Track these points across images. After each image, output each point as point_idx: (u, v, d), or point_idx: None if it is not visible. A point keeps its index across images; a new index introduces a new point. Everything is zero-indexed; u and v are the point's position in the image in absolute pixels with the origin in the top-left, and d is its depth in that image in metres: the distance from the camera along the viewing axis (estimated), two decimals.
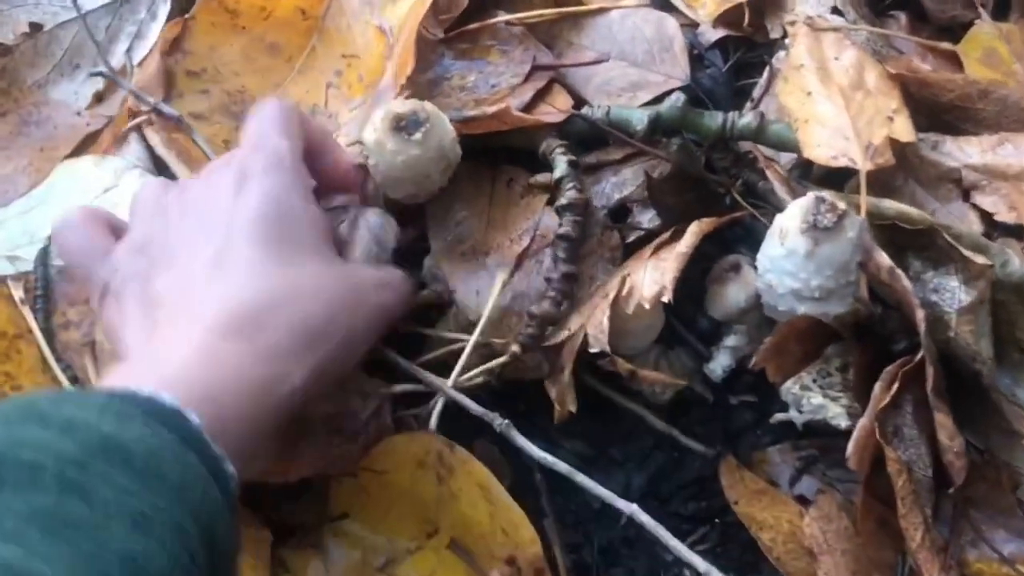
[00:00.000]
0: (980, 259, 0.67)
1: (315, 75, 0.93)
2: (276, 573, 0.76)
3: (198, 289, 0.63)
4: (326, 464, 0.75)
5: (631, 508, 0.70)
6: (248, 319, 0.61)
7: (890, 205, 0.73)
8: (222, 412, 0.55)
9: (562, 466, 0.72)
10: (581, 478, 0.71)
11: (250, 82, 0.91)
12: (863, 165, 0.74)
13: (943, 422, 0.68)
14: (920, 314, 0.67)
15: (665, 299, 0.71)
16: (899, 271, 0.68)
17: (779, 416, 0.79)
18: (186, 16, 0.91)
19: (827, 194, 0.67)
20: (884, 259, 0.68)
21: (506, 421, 0.74)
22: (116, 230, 0.72)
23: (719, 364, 0.82)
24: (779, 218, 0.71)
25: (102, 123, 0.90)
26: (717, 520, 0.81)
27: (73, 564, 0.43)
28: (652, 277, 0.73)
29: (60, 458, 0.46)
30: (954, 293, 0.70)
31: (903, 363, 0.70)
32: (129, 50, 0.92)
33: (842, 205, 0.67)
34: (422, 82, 0.89)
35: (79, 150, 0.90)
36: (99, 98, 0.91)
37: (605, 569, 0.80)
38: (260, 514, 0.77)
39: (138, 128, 0.86)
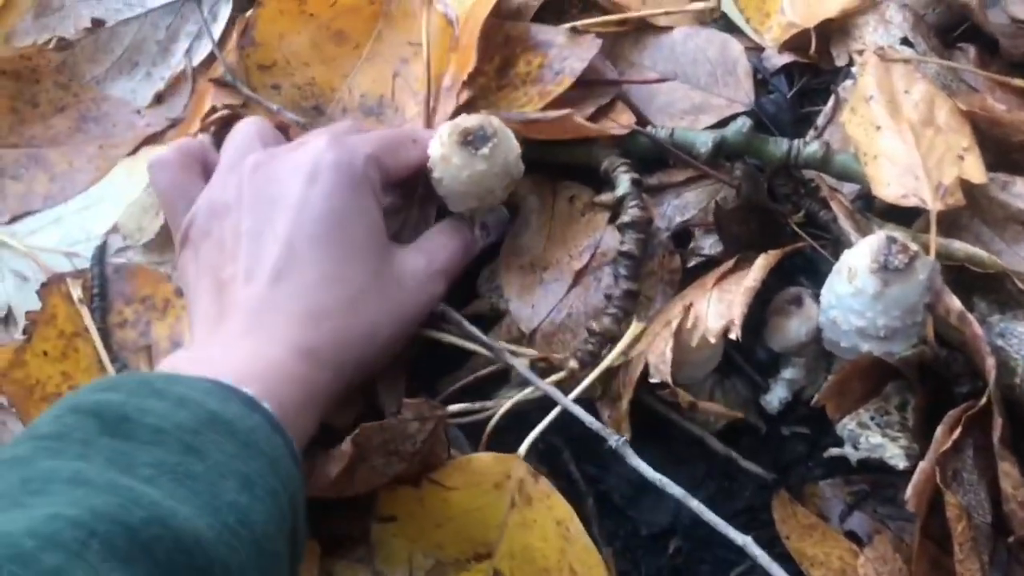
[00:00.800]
0: None
1: (382, 64, 0.92)
2: None
3: (261, 289, 0.68)
4: (378, 484, 0.75)
5: (745, 540, 0.70)
6: (304, 328, 0.67)
7: (960, 247, 0.72)
8: (283, 406, 0.61)
9: (676, 489, 0.71)
10: (695, 504, 0.71)
11: (319, 73, 0.91)
12: (933, 206, 0.73)
13: (1008, 471, 0.67)
14: (991, 362, 0.66)
15: (733, 336, 0.71)
16: (970, 316, 0.67)
17: (833, 451, 0.79)
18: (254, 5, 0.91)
19: (898, 234, 0.67)
20: (955, 303, 0.67)
21: (623, 438, 0.74)
22: (208, 167, 0.78)
23: (776, 396, 0.81)
24: (847, 255, 0.71)
25: (162, 124, 0.90)
26: (766, 551, 0.80)
27: (198, 507, 0.50)
28: (717, 309, 0.73)
29: (178, 426, 0.54)
30: (1021, 339, 0.70)
31: (967, 407, 0.70)
32: (189, 50, 0.92)
33: (914, 247, 0.66)
34: (489, 71, 0.89)
35: (138, 149, 0.89)
36: (159, 99, 0.91)
37: None
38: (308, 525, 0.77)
39: (216, 123, 0.85)
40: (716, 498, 0.82)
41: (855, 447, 0.77)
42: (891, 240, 0.67)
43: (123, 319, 0.84)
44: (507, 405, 0.76)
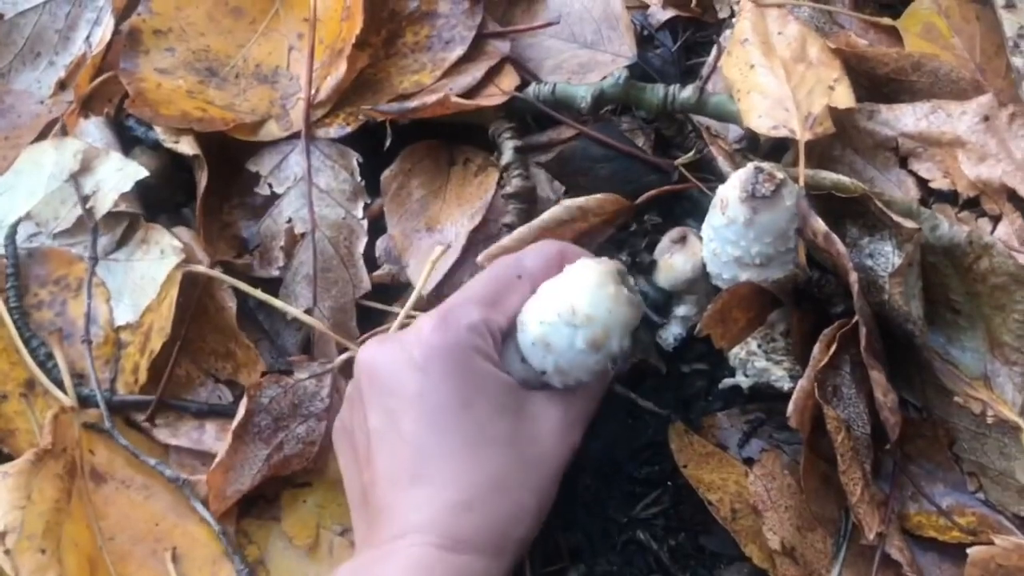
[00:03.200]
0: (909, 223, 0.70)
1: (278, 37, 0.95)
2: (241, 545, 0.79)
3: (401, 494, 0.66)
4: (309, 455, 0.78)
5: None
6: (451, 521, 0.64)
7: (826, 175, 0.75)
8: None
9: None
10: None
11: (214, 42, 0.94)
12: (802, 135, 0.77)
13: (877, 379, 0.70)
14: (853, 276, 0.69)
15: None
16: (834, 236, 0.70)
17: (727, 381, 0.82)
18: None
19: (765, 164, 0.70)
20: (820, 225, 0.70)
21: None
22: None
23: (671, 333, 0.84)
24: (720, 188, 0.74)
25: (63, 109, 0.92)
26: (669, 483, 0.83)
27: None
28: None
29: None
30: (888, 257, 0.73)
31: (840, 325, 0.73)
32: (89, 36, 0.94)
33: (780, 174, 0.69)
34: (376, 42, 0.93)
35: (42, 137, 0.91)
36: (62, 85, 0.93)
37: (563, 531, 0.82)
38: None
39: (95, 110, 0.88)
40: (619, 437, 0.85)
41: (745, 375, 0.80)
42: (758, 170, 0.70)
43: (38, 300, 0.86)
44: None
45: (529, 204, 0.84)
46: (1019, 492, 0.74)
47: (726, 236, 0.73)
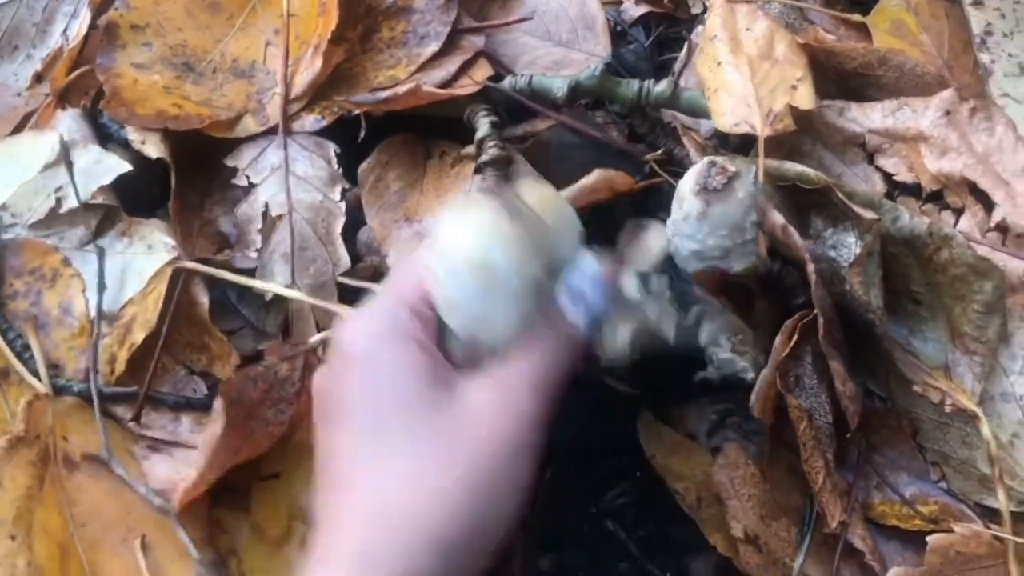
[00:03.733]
0: (869, 214, 0.71)
1: (255, 33, 0.96)
2: (212, 534, 0.80)
3: (332, 503, 0.60)
4: (281, 435, 0.79)
5: None
6: (372, 547, 0.56)
7: (790, 167, 0.76)
8: None
9: None
10: None
11: (192, 37, 0.95)
12: (762, 131, 0.78)
13: (836, 369, 0.71)
14: (811, 267, 0.70)
15: None
16: (791, 228, 0.71)
17: (700, 374, 0.83)
18: None
19: (719, 158, 0.71)
20: (777, 217, 0.71)
21: None
22: None
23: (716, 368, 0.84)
24: (679, 183, 0.75)
25: (40, 102, 0.93)
26: (639, 473, 0.84)
27: None
28: None
29: None
30: (850, 248, 0.74)
31: (801, 316, 0.74)
32: (66, 30, 0.95)
33: (732, 167, 0.70)
34: (352, 37, 0.94)
35: (19, 129, 0.92)
36: (39, 78, 0.94)
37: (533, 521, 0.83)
38: None
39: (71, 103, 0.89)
40: (590, 426, 0.86)
41: (714, 367, 0.81)
42: (711, 164, 0.71)
43: (14, 291, 0.87)
44: None
45: (506, 172, 0.85)
46: (980, 481, 0.75)
47: (684, 230, 0.74)
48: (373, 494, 0.57)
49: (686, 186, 0.71)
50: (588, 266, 0.67)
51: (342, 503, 0.59)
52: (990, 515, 0.75)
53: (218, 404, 0.73)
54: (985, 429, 0.72)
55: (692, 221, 0.71)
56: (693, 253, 0.74)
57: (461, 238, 0.62)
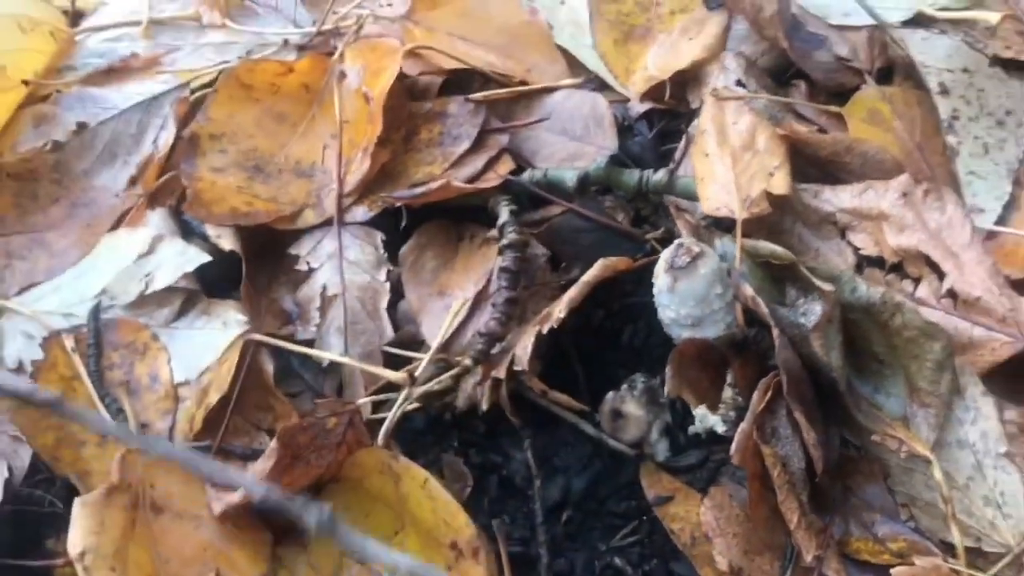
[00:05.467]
0: (827, 286, 0.82)
1: (314, 138, 1.12)
2: (274, 570, 0.93)
3: None
4: (317, 475, 0.92)
5: None
6: None
7: (763, 245, 0.88)
8: None
9: None
10: None
11: (261, 143, 1.11)
12: (739, 215, 0.90)
13: (800, 420, 0.82)
14: (776, 332, 0.82)
15: (554, 324, 0.88)
16: (760, 299, 0.83)
17: (691, 429, 0.94)
18: (209, 89, 1.12)
19: (687, 239, 0.83)
20: (748, 290, 0.83)
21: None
22: None
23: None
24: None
25: (134, 202, 1.10)
26: (645, 517, 0.95)
27: None
28: (561, 305, 0.90)
29: None
30: (817, 315, 0.85)
31: (776, 374, 0.85)
32: (156, 139, 1.12)
33: (696, 248, 0.83)
34: (397, 139, 1.09)
35: (117, 225, 1.09)
36: (133, 182, 1.11)
37: (551, 559, 0.94)
38: (263, 518, 0.93)
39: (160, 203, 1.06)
40: (602, 475, 0.97)
41: (695, 422, 0.93)
42: (679, 245, 0.83)
43: (111, 362, 1.03)
44: (399, 400, 0.92)
45: (523, 253, 0.98)
46: (944, 520, 0.84)
47: (660, 301, 0.87)
48: None
49: (659, 264, 0.84)
50: None
51: None
52: (953, 551, 0.84)
53: (273, 444, 0.86)
54: (937, 472, 0.82)
55: (664, 294, 0.84)
56: (672, 321, 0.86)
57: None
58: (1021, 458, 0.83)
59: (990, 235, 0.93)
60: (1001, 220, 0.94)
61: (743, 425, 0.84)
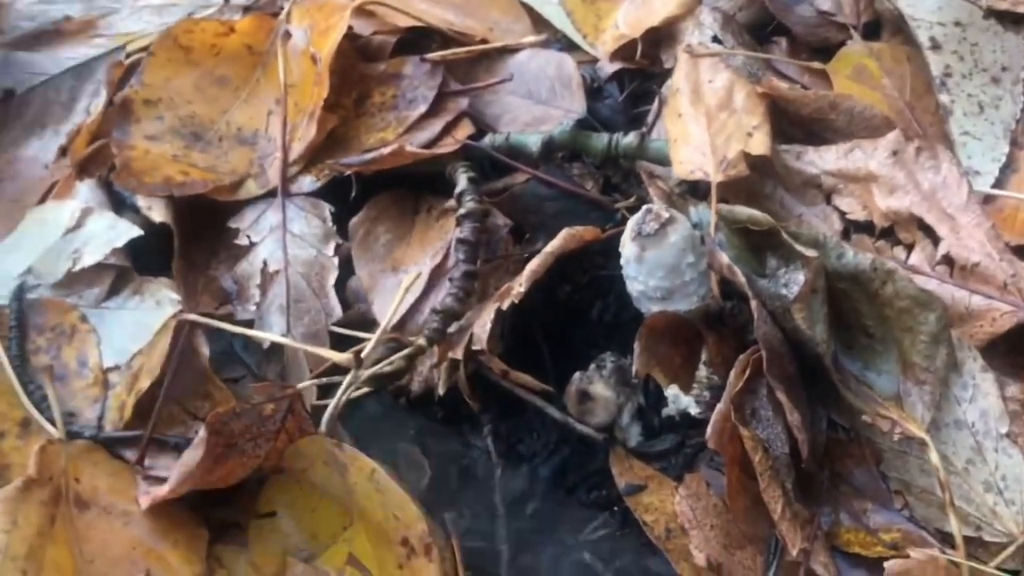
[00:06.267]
0: (811, 252, 0.75)
1: (258, 103, 1.04)
2: (212, 568, 0.85)
3: None
4: (255, 466, 0.84)
5: None
6: None
7: (741, 210, 0.80)
8: None
9: None
10: None
11: (200, 109, 1.03)
12: (715, 177, 0.82)
13: (783, 400, 0.75)
14: (754, 304, 0.74)
15: (515, 299, 0.80)
16: (736, 268, 0.75)
17: (665, 411, 0.87)
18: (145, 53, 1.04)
19: (656, 205, 0.76)
20: (723, 258, 0.75)
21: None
22: None
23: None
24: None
25: (63, 173, 1.01)
26: (616, 508, 0.87)
27: None
28: (522, 279, 0.82)
29: None
30: (800, 285, 0.77)
31: (754, 350, 0.78)
32: (88, 107, 1.04)
33: (665, 213, 0.75)
34: (348, 103, 1.01)
35: (44, 199, 1.01)
36: (63, 152, 1.03)
37: (514, 554, 0.87)
38: (199, 513, 0.85)
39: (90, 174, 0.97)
40: (569, 462, 0.90)
41: (667, 404, 0.85)
42: (647, 210, 0.76)
43: (36, 346, 0.94)
44: (344, 384, 0.84)
45: (482, 223, 0.91)
46: (941, 508, 0.77)
47: (628, 273, 0.80)
48: None
49: (626, 232, 0.76)
50: None
51: None
52: (951, 541, 0.76)
53: (202, 433, 0.78)
54: (933, 455, 0.74)
55: (632, 264, 0.76)
56: (640, 293, 0.78)
57: None
58: None
59: (987, 199, 0.86)
60: (998, 183, 0.88)
61: (719, 406, 0.77)
